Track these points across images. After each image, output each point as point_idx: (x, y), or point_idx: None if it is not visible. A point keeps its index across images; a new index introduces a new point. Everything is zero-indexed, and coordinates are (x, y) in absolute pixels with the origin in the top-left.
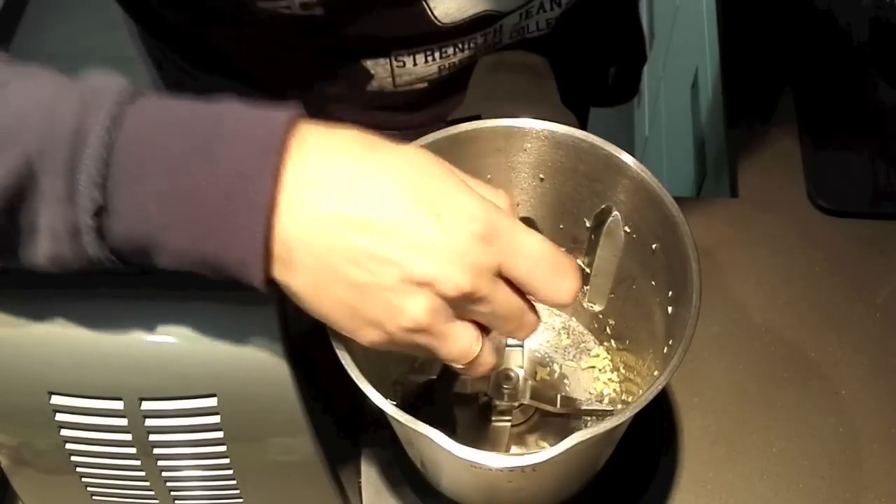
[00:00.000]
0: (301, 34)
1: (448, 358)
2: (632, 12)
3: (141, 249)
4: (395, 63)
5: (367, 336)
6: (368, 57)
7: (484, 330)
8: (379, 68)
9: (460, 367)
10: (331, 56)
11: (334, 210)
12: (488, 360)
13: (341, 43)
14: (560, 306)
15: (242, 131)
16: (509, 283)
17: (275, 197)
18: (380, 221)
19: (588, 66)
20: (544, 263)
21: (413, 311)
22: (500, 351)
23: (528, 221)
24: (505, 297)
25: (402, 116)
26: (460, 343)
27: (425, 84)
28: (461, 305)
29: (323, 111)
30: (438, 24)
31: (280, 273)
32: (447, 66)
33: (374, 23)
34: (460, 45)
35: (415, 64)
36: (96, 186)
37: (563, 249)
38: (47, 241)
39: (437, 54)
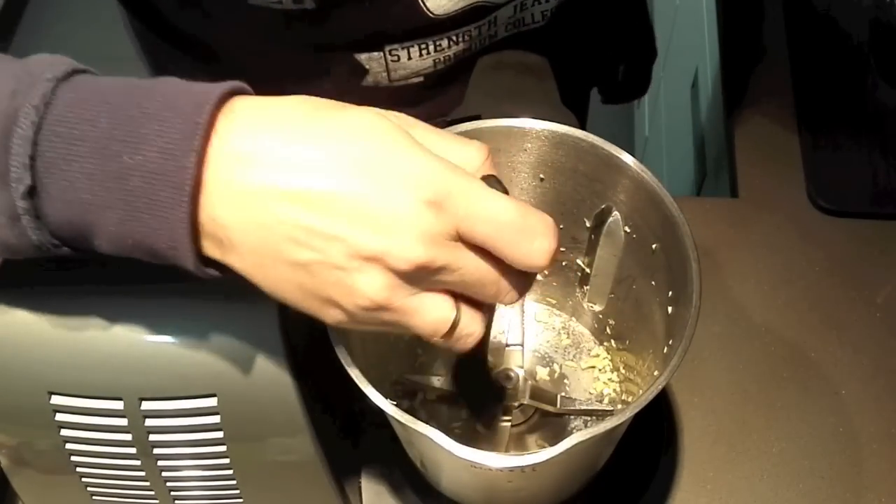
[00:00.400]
0: (293, 29)
1: (422, 333)
2: (639, 7)
3: (78, 232)
4: (389, 57)
5: (330, 316)
6: (362, 51)
7: (469, 301)
8: (373, 63)
9: (441, 341)
10: (324, 51)
11: (265, 184)
12: (470, 329)
13: (334, 37)
14: (535, 269)
15: (171, 107)
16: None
17: (200, 175)
18: (317, 193)
19: (594, 60)
20: (509, 226)
21: (367, 289)
22: (499, 350)
23: (491, 181)
24: (472, 263)
25: (400, 113)
26: (430, 316)
27: (421, 78)
28: (422, 277)
29: None
30: (431, 15)
31: (218, 254)
32: (442, 59)
33: (365, 16)
34: (454, 38)
35: (409, 58)
36: (25, 168)
37: (537, 211)
38: None
39: (431, 47)
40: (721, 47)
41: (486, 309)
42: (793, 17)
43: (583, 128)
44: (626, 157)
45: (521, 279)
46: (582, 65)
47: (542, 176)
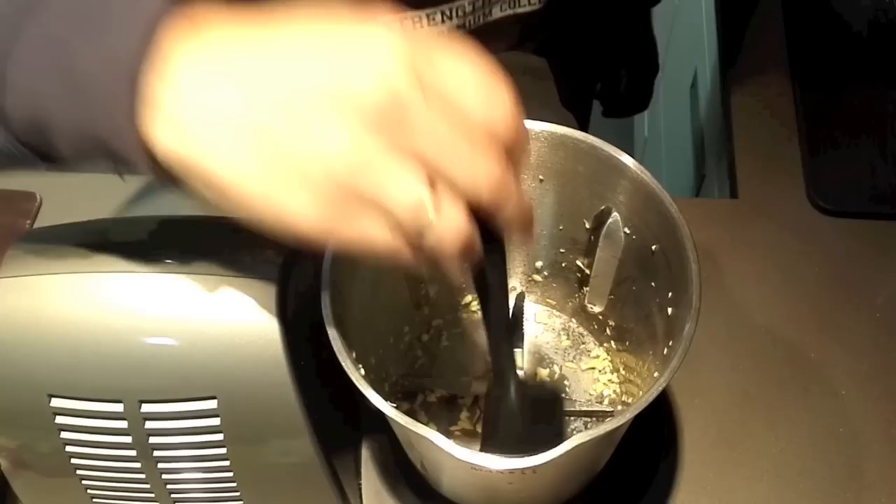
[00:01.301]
0: None
1: (400, 211)
2: (641, 17)
3: (38, 128)
4: None
5: (297, 201)
6: None
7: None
8: None
9: (422, 231)
10: None
11: (224, 51)
12: (452, 219)
13: None
14: (501, 121)
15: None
16: None
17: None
18: (279, 53)
19: (595, 62)
20: (475, 74)
21: (334, 142)
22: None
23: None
24: (439, 117)
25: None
26: (405, 186)
27: None
28: (390, 126)
29: None
30: None
31: (172, 138)
32: (445, 32)
33: None
34: (448, 12)
35: None
36: None
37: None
38: None
39: (424, 21)
40: (720, 48)
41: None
42: (792, 17)
43: (585, 130)
44: (626, 159)
45: (494, 164)
46: (584, 64)
47: (541, 177)
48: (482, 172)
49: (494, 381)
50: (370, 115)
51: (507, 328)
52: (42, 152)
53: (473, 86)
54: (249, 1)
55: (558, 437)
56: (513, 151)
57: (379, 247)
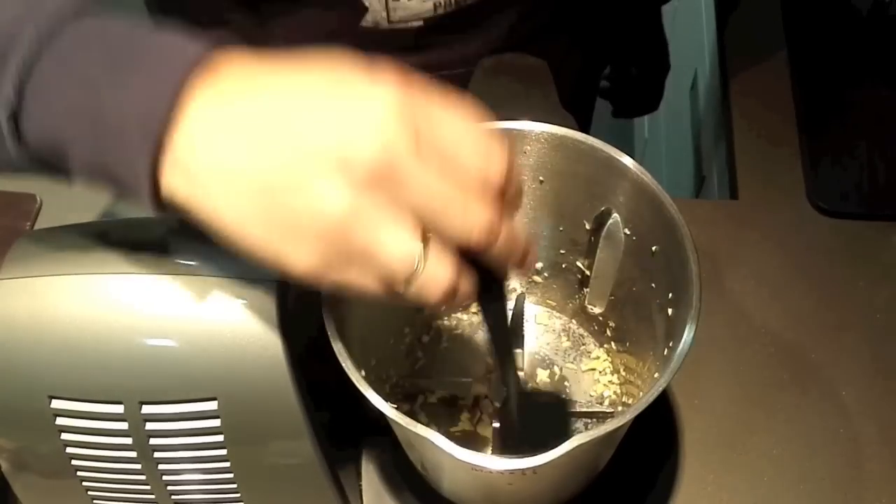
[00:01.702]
0: None
1: (389, 268)
2: (653, 17)
3: (54, 155)
4: None
5: (297, 253)
6: None
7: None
8: (374, 0)
9: (408, 285)
10: None
11: (239, 121)
12: (437, 272)
13: None
14: (494, 180)
15: (159, 55)
16: None
17: (175, 116)
18: (283, 113)
19: (604, 65)
20: (470, 132)
21: (330, 201)
22: None
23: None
24: (434, 176)
25: (394, 60)
26: (396, 243)
27: (420, 22)
28: (384, 188)
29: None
30: None
31: (183, 186)
32: (442, 3)
33: None
34: None
35: None
36: (14, 89)
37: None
38: None
39: None
40: (720, 48)
41: (460, 264)
42: (792, 18)
43: (585, 131)
44: (626, 160)
45: (483, 210)
46: (593, 61)
47: (541, 178)
48: (473, 221)
49: (496, 383)
50: (367, 175)
51: (508, 331)
52: (50, 171)
53: (469, 139)
54: (265, 45)
55: (558, 438)
56: (507, 195)
57: (368, 292)
